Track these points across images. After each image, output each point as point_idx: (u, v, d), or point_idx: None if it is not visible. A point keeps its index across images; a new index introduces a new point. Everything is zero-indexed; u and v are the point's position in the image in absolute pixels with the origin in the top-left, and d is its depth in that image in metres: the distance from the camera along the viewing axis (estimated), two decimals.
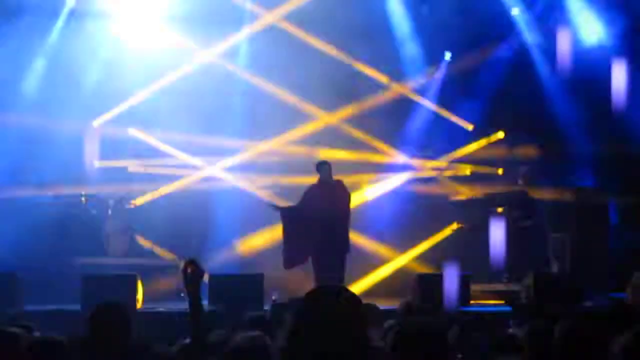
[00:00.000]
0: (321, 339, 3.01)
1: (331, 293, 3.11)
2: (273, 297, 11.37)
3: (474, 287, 12.57)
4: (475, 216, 14.96)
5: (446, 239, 15.03)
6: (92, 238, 13.84)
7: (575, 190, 14.42)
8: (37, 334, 5.19)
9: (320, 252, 12.38)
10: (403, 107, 15.55)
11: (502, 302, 12.04)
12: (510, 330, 7.15)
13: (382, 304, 8.94)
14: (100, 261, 13.49)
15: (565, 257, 14.75)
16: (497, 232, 14.81)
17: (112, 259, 13.73)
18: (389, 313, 7.43)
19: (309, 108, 15.20)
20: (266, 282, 11.32)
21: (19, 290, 11.15)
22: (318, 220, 12.48)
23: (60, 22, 14.73)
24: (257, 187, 15.22)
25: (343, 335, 3.02)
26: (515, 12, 15.54)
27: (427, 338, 3.70)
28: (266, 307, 9.95)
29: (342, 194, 12.78)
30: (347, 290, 3.12)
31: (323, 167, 12.69)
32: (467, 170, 15.97)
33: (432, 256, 14.78)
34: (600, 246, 14.00)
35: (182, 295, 8.07)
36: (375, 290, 13.54)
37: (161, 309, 11.10)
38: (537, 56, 15.39)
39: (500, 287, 13.69)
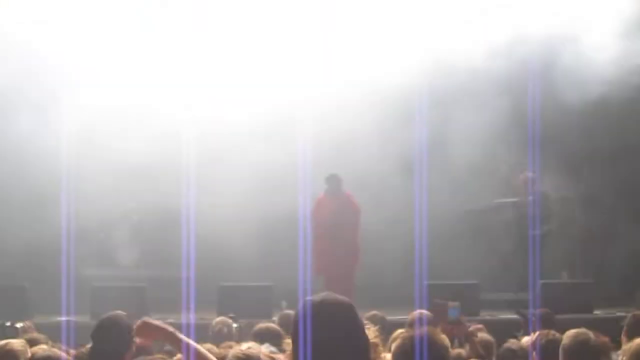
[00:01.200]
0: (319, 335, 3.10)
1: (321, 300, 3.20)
2: (282, 307, 11.38)
3: (483, 297, 12.57)
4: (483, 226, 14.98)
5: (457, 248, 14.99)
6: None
7: None
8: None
9: (329, 263, 12.45)
10: None
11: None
12: (519, 339, 7.14)
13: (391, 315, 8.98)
14: (109, 272, 13.53)
15: (576, 265, 14.76)
16: (507, 241, 14.81)
17: (122, 270, 13.77)
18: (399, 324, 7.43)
19: None
20: (277, 292, 11.35)
21: (28, 302, 11.20)
22: (327, 232, 12.56)
23: None
24: None
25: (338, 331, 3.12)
26: None
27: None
28: (275, 317, 9.95)
29: (351, 206, 12.86)
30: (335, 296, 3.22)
31: (332, 179, 12.78)
32: None
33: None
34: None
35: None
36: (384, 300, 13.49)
37: (171, 320, 11.09)
38: None
39: (509, 296, 13.67)
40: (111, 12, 13.97)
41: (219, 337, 7.78)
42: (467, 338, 6.08)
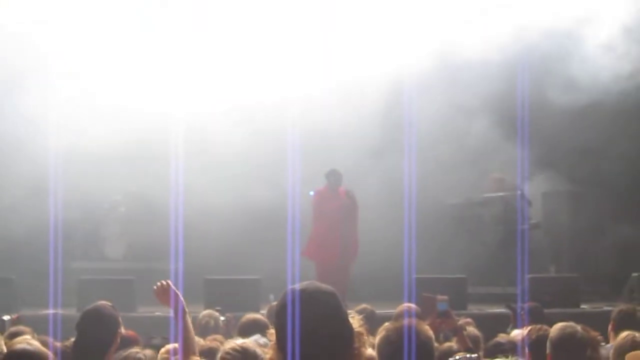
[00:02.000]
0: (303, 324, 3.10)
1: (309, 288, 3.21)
2: (270, 300, 11.36)
3: (471, 290, 12.59)
4: (471, 220, 14.99)
5: (444, 241, 14.99)
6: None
7: None
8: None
9: (325, 256, 12.54)
10: None
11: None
12: (508, 333, 7.15)
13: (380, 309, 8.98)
14: (97, 265, 13.49)
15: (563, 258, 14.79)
16: (494, 234, 14.83)
17: (109, 263, 13.73)
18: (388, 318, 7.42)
19: None
20: (265, 284, 11.34)
21: (16, 294, 11.16)
22: (326, 225, 12.66)
23: None
24: None
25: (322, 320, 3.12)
26: None
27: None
28: (263, 311, 9.94)
29: (349, 201, 12.97)
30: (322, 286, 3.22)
31: (333, 174, 12.93)
32: None
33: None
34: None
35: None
36: (373, 294, 13.49)
37: (158, 313, 11.08)
38: None
39: (497, 290, 13.70)
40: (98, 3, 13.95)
41: (206, 330, 7.76)
42: (456, 332, 6.08)
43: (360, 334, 3.25)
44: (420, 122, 13.53)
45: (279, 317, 3.17)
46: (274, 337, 3.21)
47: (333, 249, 12.99)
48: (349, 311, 3.26)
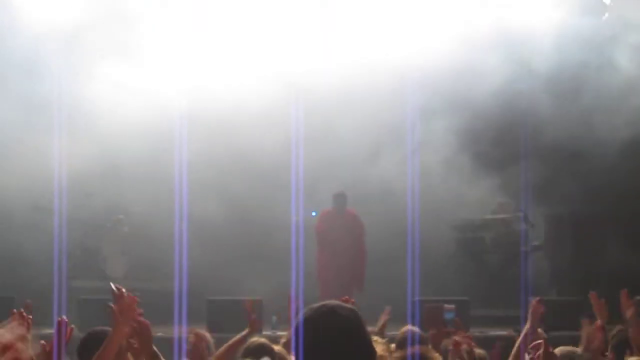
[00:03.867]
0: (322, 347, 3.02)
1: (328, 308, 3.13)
2: (273, 322, 11.34)
3: (474, 313, 12.55)
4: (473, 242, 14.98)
5: (446, 263, 14.97)
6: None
7: None
8: None
9: (328, 284, 12.55)
10: None
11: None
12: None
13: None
14: (98, 284, 13.45)
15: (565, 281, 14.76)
16: (496, 257, 14.82)
17: (110, 282, 13.68)
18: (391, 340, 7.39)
19: None
20: (266, 306, 11.30)
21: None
22: (329, 253, 12.66)
23: None
24: None
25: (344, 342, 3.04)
26: None
27: None
28: (266, 332, 9.90)
29: (358, 225, 12.99)
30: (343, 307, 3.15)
31: (340, 198, 12.94)
32: None
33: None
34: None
35: None
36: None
37: (160, 334, 11.03)
38: None
39: (499, 312, 13.66)
40: None
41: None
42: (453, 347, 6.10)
43: (383, 358, 3.19)
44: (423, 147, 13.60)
45: (295, 334, 3.10)
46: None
47: (333, 273, 12.99)
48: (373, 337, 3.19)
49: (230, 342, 6.70)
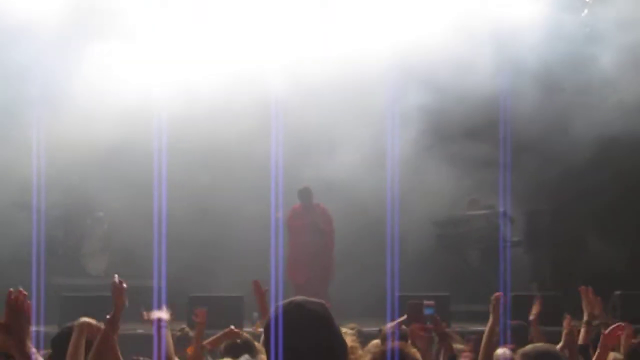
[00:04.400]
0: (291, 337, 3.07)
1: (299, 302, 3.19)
2: (254, 318, 11.32)
3: (454, 308, 12.59)
4: (452, 236, 15.01)
5: (427, 259, 15.00)
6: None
7: None
8: None
9: (298, 276, 12.54)
10: None
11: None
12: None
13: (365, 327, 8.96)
14: (79, 281, 13.41)
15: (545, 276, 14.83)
16: (477, 252, 14.87)
17: (91, 279, 13.65)
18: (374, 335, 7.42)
19: None
20: (248, 303, 11.30)
21: None
22: (303, 245, 12.66)
23: None
24: None
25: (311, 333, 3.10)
26: None
27: None
28: (247, 328, 9.90)
29: (326, 217, 13.00)
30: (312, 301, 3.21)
31: (305, 192, 12.96)
32: None
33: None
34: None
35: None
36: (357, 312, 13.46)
37: (140, 331, 11.01)
38: None
39: (480, 308, 13.69)
40: None
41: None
42: (442, 336, 6.15)
43: (354, 348, 3.24)
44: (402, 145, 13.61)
45: (268, 331, 3.15)
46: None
47: (305, 268, 13.02)
48: (342, 328, 3.24)
49: (211, 338, 6.75)
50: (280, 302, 3.20)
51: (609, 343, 5.38)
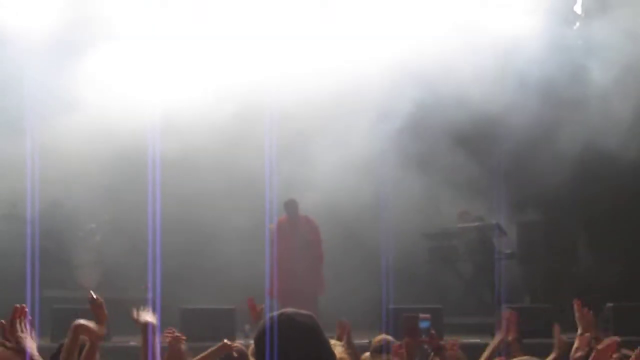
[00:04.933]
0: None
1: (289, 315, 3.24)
2: (246, 330, 11.30)
3: (447, 321, 12.58)
4: (446, 250, 15.00)
5: (419, 271, 14.99)
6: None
7: None
8: None
9: (286, 290, 12.51)
10: None
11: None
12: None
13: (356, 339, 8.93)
14: (71, 294, 13.36)
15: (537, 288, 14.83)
16: (470, 265, 14.87)
17: (83, 291, 13.59)
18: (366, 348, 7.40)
19: None
20: (240, 315, 11.27)
21: None
22: (290, 257, 12.63)
23: None
24: None
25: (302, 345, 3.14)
26: None
27: None
28: (240, 341, 9.86)
29: (312, 228, 12.98)
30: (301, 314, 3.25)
31: (290, 205, 12.95)
32: None
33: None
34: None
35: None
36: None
37: (133, 343, 10.98)
38: None
39: (473, 320, 13.70)
40: None
41: None
42: (437, 350, 6.15)
43: (343, 359, 3.26)
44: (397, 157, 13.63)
45: (258, 344, 3.20)
46: None
47: (293, 282, 12.95)
48: (331, 340, 3.26)
49: (206, 352, 6.70)
50: (271, 314, 3.25)
51: (602, 358, 5.35)
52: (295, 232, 13.20)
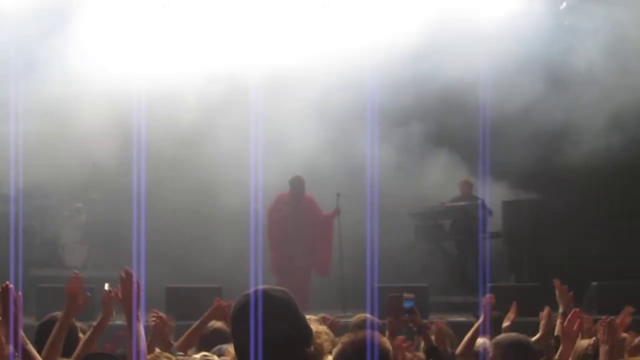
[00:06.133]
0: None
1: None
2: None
3: (433, 299, 12.63)
4: (432, 229, 15.03)
5: (405, 250, 15.02)
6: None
7: None
8: None
9: (287, 268, 12.51)
10: None
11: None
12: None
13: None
14: (56, 273, 13.34)
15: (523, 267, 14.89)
16: (455, 244, 14.90)
17: (69, 271, 13.57)
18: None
19: None
20: (226, 294, 11.25)
21: None
22: (288, 234, 12.61)
23: None
24: None
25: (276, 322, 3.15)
26: None
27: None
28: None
29: (315, 210, 12.95)
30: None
31: (297, 182, 12.88)
32: None
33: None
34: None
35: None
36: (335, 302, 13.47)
37: (119, 322, 10.96)
38: None
39: (458, 299, 13.76)
40: None
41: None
42: (420, 329, 6.19)
43: (319, 332, 3.27)
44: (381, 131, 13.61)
45: (233, 321, 3.22)
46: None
47: (288, 257, 12.95)
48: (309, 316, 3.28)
49: (190, 329, 6.68)
50: (245, 292, 3.26)
51: (569, 332, 5.39)
52: (296, 209, 13.09)
